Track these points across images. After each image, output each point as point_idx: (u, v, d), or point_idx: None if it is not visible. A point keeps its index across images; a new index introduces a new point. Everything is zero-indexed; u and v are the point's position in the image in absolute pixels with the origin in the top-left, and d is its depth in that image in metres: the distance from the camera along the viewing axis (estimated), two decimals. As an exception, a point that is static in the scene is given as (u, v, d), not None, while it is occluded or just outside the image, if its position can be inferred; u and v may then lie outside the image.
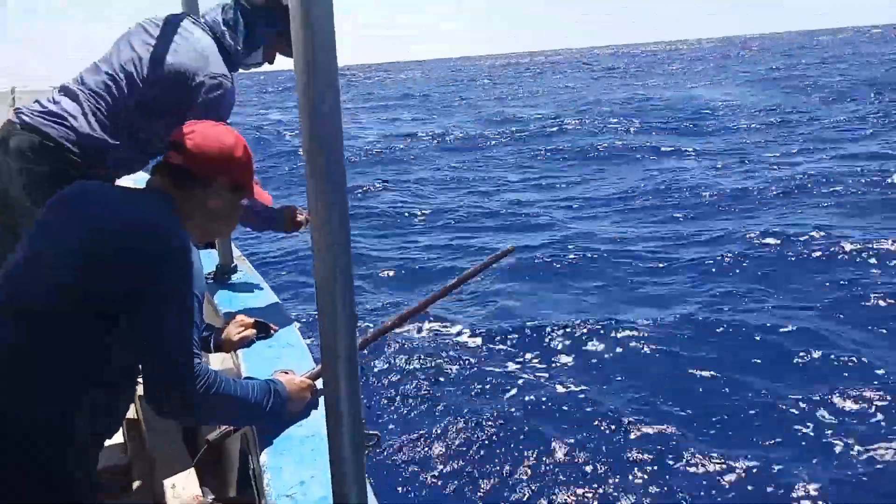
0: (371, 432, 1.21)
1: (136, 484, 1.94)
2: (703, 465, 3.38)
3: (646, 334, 4.97)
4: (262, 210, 2.32)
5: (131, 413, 2.14)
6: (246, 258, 2.72)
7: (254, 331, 1.97)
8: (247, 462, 1.77)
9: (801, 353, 4.49)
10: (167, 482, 1.82)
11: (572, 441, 3.71)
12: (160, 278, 1.32)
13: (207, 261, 2.61)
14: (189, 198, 1.51)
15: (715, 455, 3.44)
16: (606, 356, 4.78)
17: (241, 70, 2.30)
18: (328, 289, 0.91)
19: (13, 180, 2.03)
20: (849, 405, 3.85)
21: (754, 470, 3.32)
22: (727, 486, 3.24)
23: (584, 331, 5.07)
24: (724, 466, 3.36)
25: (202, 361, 1.35)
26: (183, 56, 2.07)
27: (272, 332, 2.01)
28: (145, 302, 1.31)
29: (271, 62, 2.39)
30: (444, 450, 3.73)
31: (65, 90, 2.08)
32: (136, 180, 3.55)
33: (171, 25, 2.13)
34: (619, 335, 4.98)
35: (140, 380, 1.50)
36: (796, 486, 3.19)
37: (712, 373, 4.34)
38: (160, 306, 1.32)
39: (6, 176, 2.06)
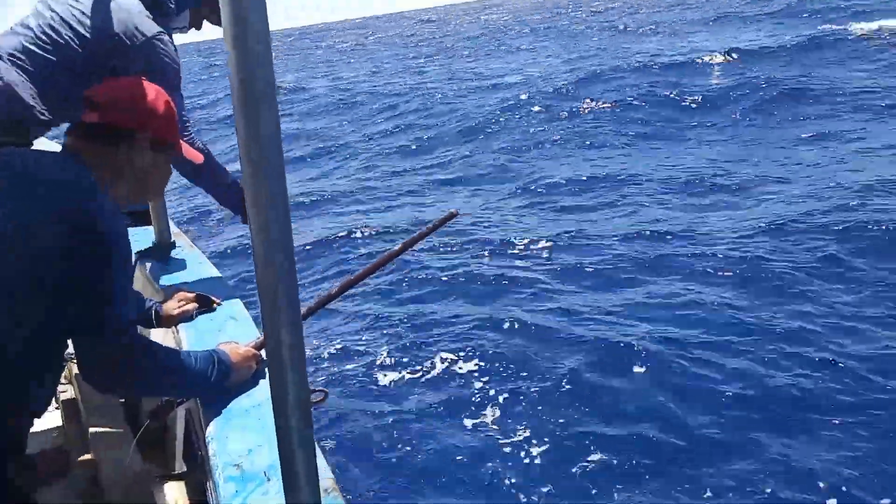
0: (318, 389, 1.21)
1: (76, 465, 1.89)
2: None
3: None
4: (226, 181, 2.28)
5: (69, 393, 2.08)
6: (184, 233, 2.65)
7: (195, 305, 1.93)
8: (191, 436, 1.75)
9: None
10: (108, 460, 1.78)
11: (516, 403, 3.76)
12: (84, 252, 1.25)
13: (145, 236, 2.54)
14: (110, 158, 1.43)
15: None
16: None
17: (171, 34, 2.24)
18: (268, 257, 0.89)
19: None
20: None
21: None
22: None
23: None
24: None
25: (138, 333, 1.32)
26: (111, 16, 2.00)
27: (215, 305, 1.97)
28: (71, 278, 1.25)
29: (198, 28, 2.33)
30: (391, 413, 3.76)
31: None
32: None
33: None
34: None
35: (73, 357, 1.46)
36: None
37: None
38: (87, 281, 1.26)
39: None
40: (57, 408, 2.12)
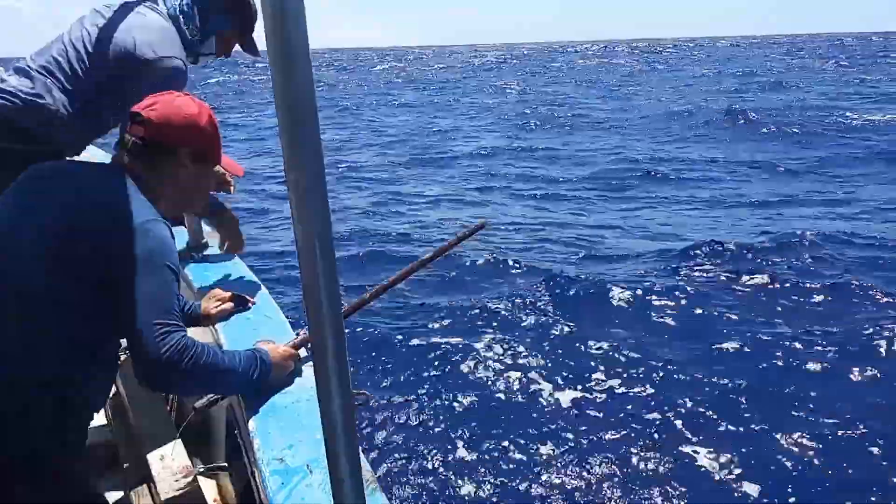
0: (359, 392, 1.28)
1: (123, 459, 1.98)
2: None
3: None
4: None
5: (114, 390, 2.17)
6: (216, 234, 2.73)
7: (231, 304, 2.01)
8: (233, 431, 1.83)
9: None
10: (155, 455, 1.87)
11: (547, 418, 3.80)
12: (132, 256, 1.33)
13: (178, 238, 2.62)
14: (155, 171, 1.51)
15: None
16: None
17: (199, 61, 2.29)
18: (310, 258, 0.95)
19: None
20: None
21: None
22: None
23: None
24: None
25: (186, 333, 1.39)
26: (132, 36, 2.06)
27: (250, 304, 2.04)
28: (121, 280, 1.33)
29: (227, 55, 2.38)
30: (424, 413, 3.85)
31: (15, 69, 2.07)
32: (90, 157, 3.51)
33: (124, 7, 2.13)
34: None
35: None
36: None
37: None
38: (136, 283, 1.33)
39: None
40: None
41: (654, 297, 5.35)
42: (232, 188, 2.26)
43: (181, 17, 2.17)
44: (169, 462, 1.82)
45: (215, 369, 1.43)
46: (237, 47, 2.41)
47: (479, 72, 43.84)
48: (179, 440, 1.89)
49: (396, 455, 3.47)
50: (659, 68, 41.07)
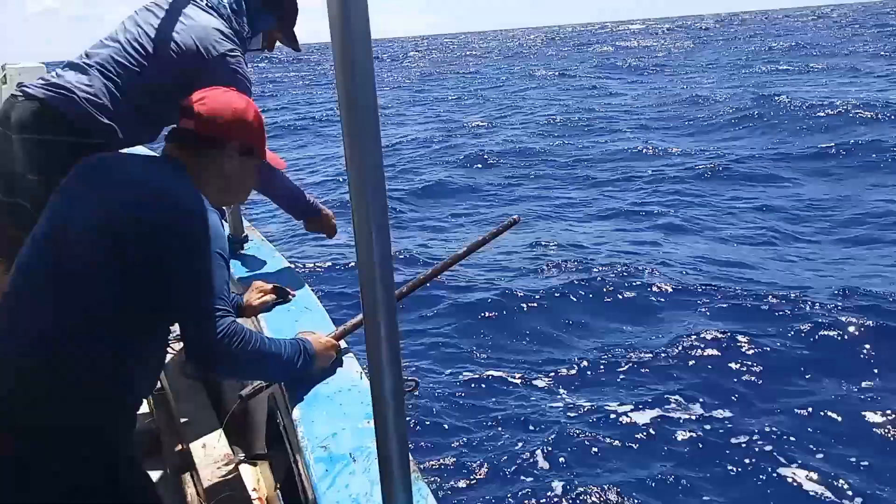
0: (409, 379, 1.28)
1: (165, 448, 2.00)
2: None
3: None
4: (290, 189, 2.36)
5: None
6: (256, 228, 2.76)
7: (273, 296, 2.03)
8: (274, 420, 1.83)
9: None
10: (197, 443, 1.89)
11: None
12: (183, 243, 1.36)
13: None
14: (203, 163, 1.55)
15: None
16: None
17: (248, 55, 2.33)
18: (367, 244, 0.95)
19: (16, 155, 2.05)
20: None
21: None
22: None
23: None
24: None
25: (236, 319, 1.40)
26: (190, 38, 2.09)
27: (290, 296, 2.06)
28: (172, 266, 1.35)
29: (271, 49, 2.44)
30: (471, 402, 3.84)
31: (70, 65, 2.10)
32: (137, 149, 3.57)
33: (175, 7, 2.15)
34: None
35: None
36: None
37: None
38: (187, 269, 1.36)
39: (10, 153, 2.07)
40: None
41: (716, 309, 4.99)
42: None
43: (232, 15, 2.21)
44: (211, 450, 1.84)
45: (262, 355, 1.44)
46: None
47: (517, 59, 42.89)
48: (221, 429, 1.90)
49: (437, 447, 3.46)
50: (704, 48, 39.32)
